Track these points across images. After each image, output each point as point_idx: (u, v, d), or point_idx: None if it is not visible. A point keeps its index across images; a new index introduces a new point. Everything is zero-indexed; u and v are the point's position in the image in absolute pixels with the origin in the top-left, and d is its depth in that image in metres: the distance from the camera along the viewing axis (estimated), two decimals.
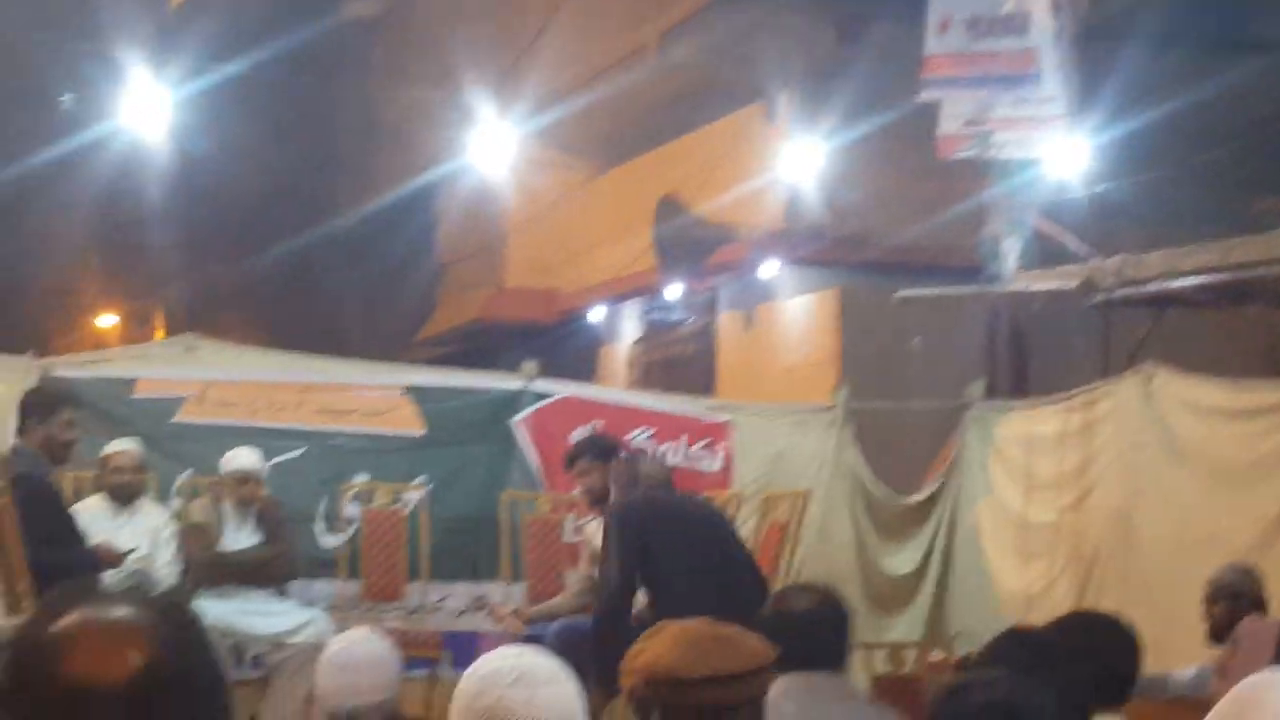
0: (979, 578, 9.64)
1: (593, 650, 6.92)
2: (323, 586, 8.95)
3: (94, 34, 16.71)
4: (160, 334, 27.32)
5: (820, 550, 9.72)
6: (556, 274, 17.56)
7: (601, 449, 8.10)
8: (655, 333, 16.49)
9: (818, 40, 13.68)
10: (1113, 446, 8.80)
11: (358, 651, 4.33)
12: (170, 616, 1.75)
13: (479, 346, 18.19)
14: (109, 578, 7.77)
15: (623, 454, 8.19)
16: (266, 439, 9.04)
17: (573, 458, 8.12)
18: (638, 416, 9.73)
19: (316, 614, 8.26)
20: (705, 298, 15.44)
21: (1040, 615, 8.84)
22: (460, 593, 9.22)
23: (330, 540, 9.03)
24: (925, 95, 9.79)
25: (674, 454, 9.65)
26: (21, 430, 7.42)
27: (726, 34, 13.95)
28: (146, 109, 11.09)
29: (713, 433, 9.77)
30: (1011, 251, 10.13)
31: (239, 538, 8.32)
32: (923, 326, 11.85)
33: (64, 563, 7.22)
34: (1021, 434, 9.48)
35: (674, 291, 15.40)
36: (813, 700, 4.21)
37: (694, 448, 9.70)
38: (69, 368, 8.95)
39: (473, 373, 10.20)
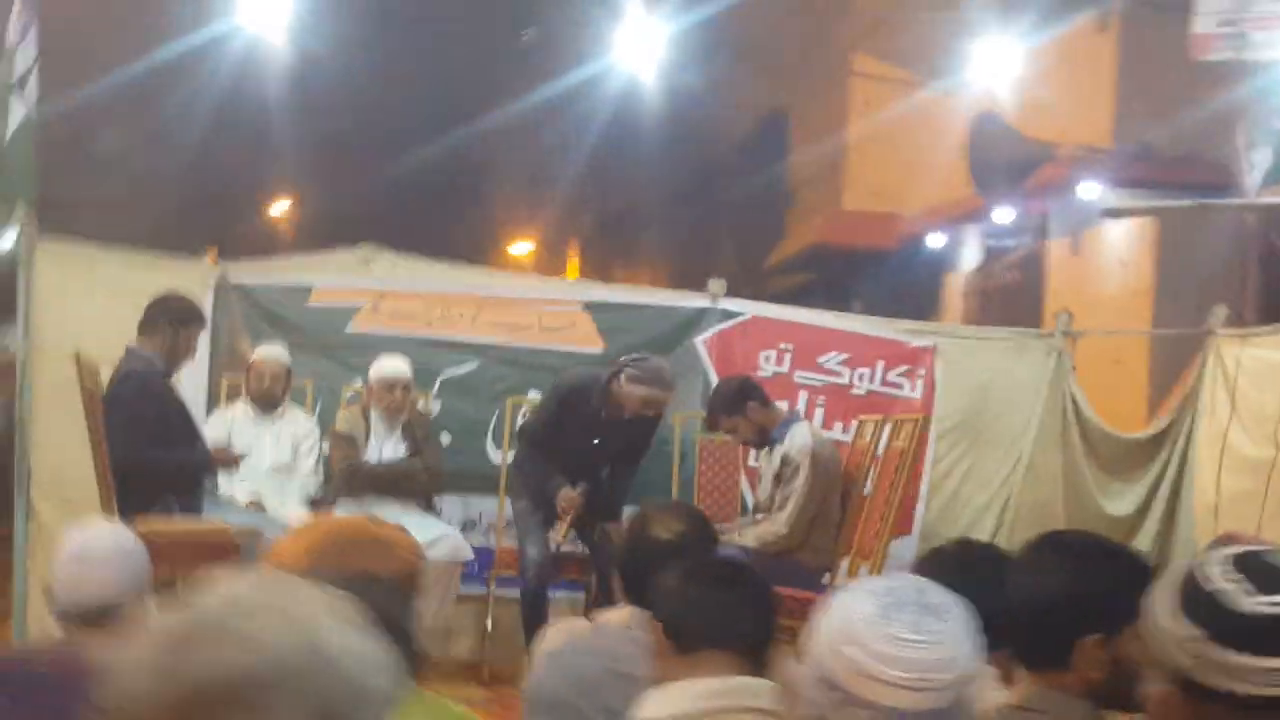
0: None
1: None
2: (490, 502, 8.81)
3: None
4: (574, 263, 27.91)
5: (1029, 486, 9.05)
6: (896, 197, 16.88)
7: (730, 402, 7.84)
8: (989, 259, 15.63)
9: None
10: None
11: (98, 544, 4.02)
12: None
13: (822, 274, 17.75)
14: (224, 479, 7.92)
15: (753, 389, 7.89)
16: (439, 351, 9.03)
17: (711, 425, 8.08)
18: (831, 339, 9.18)
19: (450, 530, 8.14)
20: (1038, 221, 14.50)
21: None
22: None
23: (500, 456, 8.86)
24: None
25: (868, 379, 9.10)
26: (144, 331, 7.53)
27: None
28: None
29: (913, 358, 9.13)
30: (1261, 162, 9.07)
31: (385, 448, 8.29)
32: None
33: (169, 462, 7.33)
34: (1259, 363, 8.47)
35: (1005, 215, 14.52)
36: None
37: (891, 373, 9.10)
38: (248, 274, 9.07)
39: (657, 290, 9.83)
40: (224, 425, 8.21)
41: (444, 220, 23.95)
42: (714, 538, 4.32)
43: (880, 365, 9.11)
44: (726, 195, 20.98)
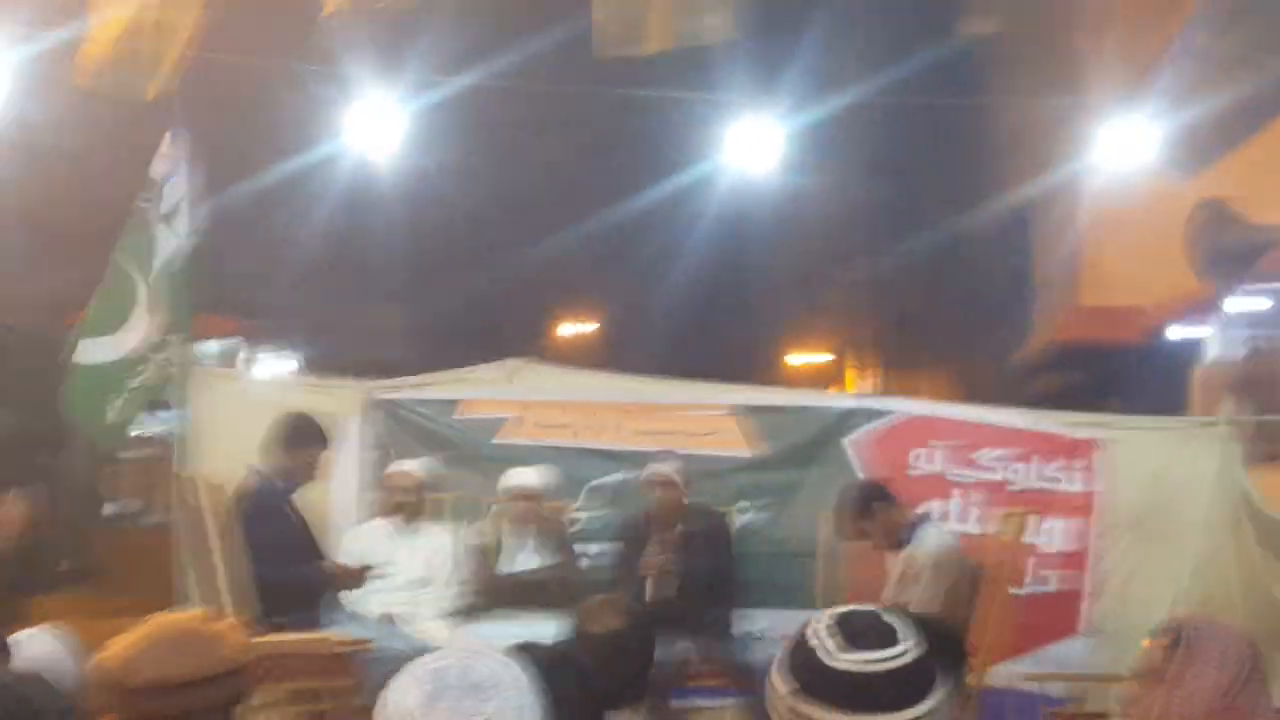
0: None
1: None
2: None
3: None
4: (850, 375, 27.79)
5: (1199, 582, 8.54)
6: (1137, 289, 16.27)
7: (857, 504, 7.75)
8: (1236, 350, 14.93)
9: None
10: None
11: (35, 650, 4.09)
12: None
13: (1066, 372, 17.22)
14: (358, 594, 8.03)
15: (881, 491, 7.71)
16: (586, 460, 9.05)
17: (841, 529, 7.90)
18: (985, 434, 8.88)
19: None
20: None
21: None
22: (787, 621, 8.75)
23: None
24: None
25: (1025, 474, 8.76)
26: (267, 451, 7.76)
27: None
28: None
29: (1074, 450, 8.76)
30: None
31: (518, 558, 8.31)
32: None
33: (283, 579, 7.50)
34: None
35: (1245, 303, 13.91)
36: None
37: (1050, 467, 8.74)
38: (394, 390, 9.26)
39: (802, 391, 9.71)
40: (363, 539, 8.36)
41: (716, 335, 24.18)
42: (651, 635, 4.23)
43: (1038, 459, 8.76)
44: (980, 297, 20.69)
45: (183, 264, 8.33)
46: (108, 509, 10.99)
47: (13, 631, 4.22)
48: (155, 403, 9.02)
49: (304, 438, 7.72)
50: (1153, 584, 8.61)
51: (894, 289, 23.40)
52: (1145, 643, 4.11)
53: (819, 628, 2.33)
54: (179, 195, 8.40)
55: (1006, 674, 7.86)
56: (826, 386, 22.22)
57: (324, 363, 10.06)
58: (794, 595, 8.70)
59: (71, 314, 7.77)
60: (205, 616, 3.43)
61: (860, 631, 2.30)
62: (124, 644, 3.26)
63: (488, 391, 9.24)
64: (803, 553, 8.78)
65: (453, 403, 9.19)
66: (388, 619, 8.01)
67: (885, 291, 23.65)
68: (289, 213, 13.93)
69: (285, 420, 7.83)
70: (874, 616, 2.36)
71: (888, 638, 2.30)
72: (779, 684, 2.34)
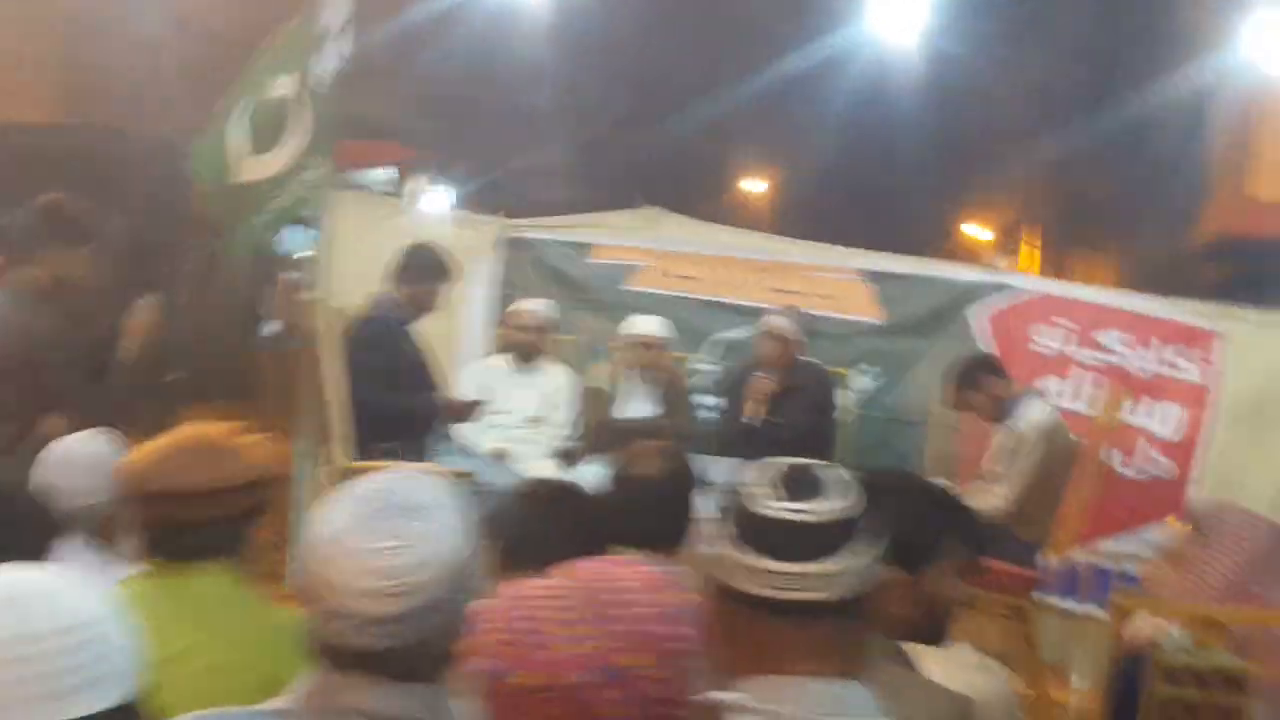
0: None
1: None
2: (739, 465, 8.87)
3: None
4: (1028, 251, 27.36)
5: None
6: None
7: (965, 376, 7.78)
8: None
9: None
10: None
11: (79, 450, 4.14)
12: None
13: (1232, 267, 16.83)
14: (472, 427, 8.20)
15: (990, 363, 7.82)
16: (714, 314, 9.16)
17: (949, 399, 7.92)
18: (1110, 317, 8.82)
19: None
20: None
21: None
22: None
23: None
24: None
25: (1149, 360, 8.71)
26: (393, 279, 7.89)
27: None
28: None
29: (1197, 339, 8.67)
30: None
31: (635, 406, 8.45)
32: None
33: (393, 406, 7.65)
34: None
35: None
36: None
37: (1172, 354, 8.67)
38: (533, 229, 9.42)
39: (935, 261, 9.68)
40: (481, 374, 8.52)
41: (874, 204, 23.81)
42: (690, 484, 4.33)
43: (1161, 346, 8.70)
44: (1150, 184, 20.22)
45: (335, 87, 8.39)
46: (263, 329, 11.28)
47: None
48: (304, 224, 9.18)
49: (425, 269, 7.79)
50: (1259, 477, 8.51)
51: (1062, 168, 22.95)
52: (1171, 522, 4.19)
53: (758, 475, 2.37)
54: (341, 16, 8.43)
55: (1101, 550, 7.95)
56: (984, 263, 21.95)
57: (478, 199, 10.14)
58: (905, 462, 8.79)
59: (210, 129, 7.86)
60: (234, 430, 3.49)
61: (798, 482, 2.34)
62: (147, 451, 3.37)
63: (621, 237, 9.36)
64: (917, 420, 8.86)
65: (586, 246, 9.34)
66: (498, 454, 8.19)
67: (1052, 170, 23.19)
68: (454, 44, 13.99)
69: (409, 251, 7.91)
70: (809, 470, 2.38)
71: (816, 491, 2.33)
72: (717, 526, 2.38)
